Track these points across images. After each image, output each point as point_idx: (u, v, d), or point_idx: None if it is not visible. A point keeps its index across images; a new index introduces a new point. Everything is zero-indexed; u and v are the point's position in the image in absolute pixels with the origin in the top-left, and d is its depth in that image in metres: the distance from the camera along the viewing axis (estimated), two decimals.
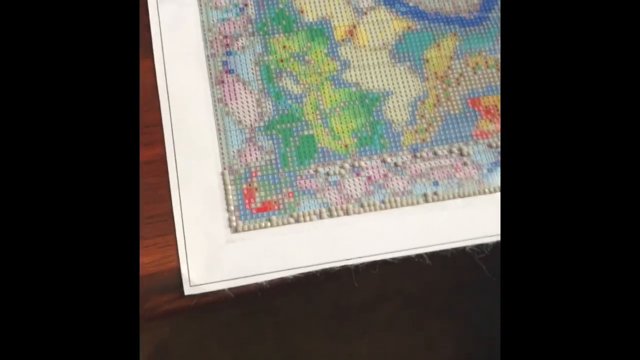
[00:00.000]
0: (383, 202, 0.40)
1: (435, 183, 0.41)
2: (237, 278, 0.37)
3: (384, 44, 0.45)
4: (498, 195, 0.41)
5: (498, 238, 0.40)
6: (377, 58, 0.44)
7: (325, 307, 0.39)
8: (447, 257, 0.39)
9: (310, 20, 0.45)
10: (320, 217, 0.39)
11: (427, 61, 0.45)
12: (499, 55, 0.45)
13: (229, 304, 0.37)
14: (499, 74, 0.45)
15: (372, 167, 0.41)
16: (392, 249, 0.39)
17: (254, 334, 0.37)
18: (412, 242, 0.39)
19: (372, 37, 0.45)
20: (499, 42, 0.46)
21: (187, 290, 0.36)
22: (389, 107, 0.43)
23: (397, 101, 0.43)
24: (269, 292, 0.37)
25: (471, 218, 0.40)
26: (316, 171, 0.41)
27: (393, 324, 0.40)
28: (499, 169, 0.42)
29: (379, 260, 0.38)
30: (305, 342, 0.39)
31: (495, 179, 0.41)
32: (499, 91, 0.44)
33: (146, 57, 0.42)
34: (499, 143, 0.43)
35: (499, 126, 0.43)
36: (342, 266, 0.38)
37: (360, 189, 0.40)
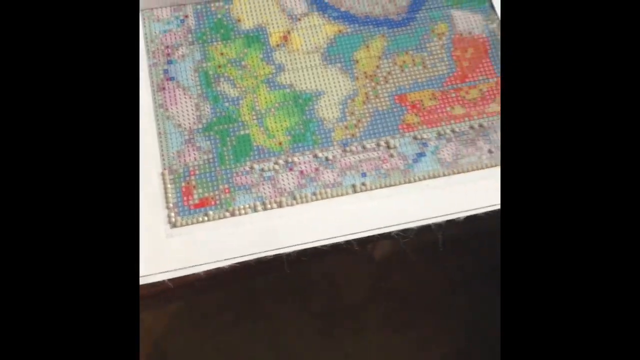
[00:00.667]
0: (314, 194, 0.43)
1: (364, 174, 0.44)
2: (176, 269, 0.40)
3: (316, 47, 0.48)
4: (422, 183, 0.44)
5: (421, 223, 0.42)
6: (310, 61, 0.47)
7: (255, 293, 0.42)
8: (373, 241, 0.42)
9: (247, 28, 0.48)
10: (255, 210, 0.42)
11: (357, 62, 0.48)
12: (425, 53, 0.48)
13: (169, 295, 0.40)
14: (425, 70, 0.48)
15: (305, 162, 0.44)
16: (322, 237, 0.41)
17: (191, 325, 0.40)
18: (340, 230, 0.42)
19: (305, 41, 0.48)
20: (425, 40, 0.49)
21: None
22: (321, 106, 0.46)
23: (329, 100, 0.46)
24: (206, 282, 0.40)
25: (397, 205, 0.43)
26: (251, 168, 0.43)
27: (325, 308, 0.43)
28: (423, 159, 0.45)
29: (309, 248, 0.41)
30: (238, 327, 0.42)
31: (420, 168, 0.44)
32: (425, 87, 0.47)
33: None
34: (424, 135, 0.45)
35: (422, 119, 0.46)
36: (275, 255, 0.41)
37: (293, 182, 0.43)
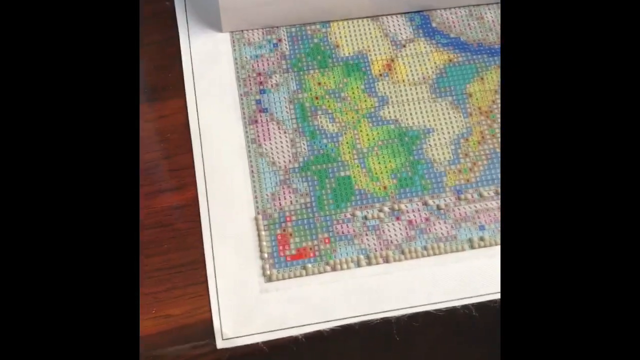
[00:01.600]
0: (425, 248, 0.38)
1: (482, 227, 0.38)
2: (271, 331, 0.35)
3: (424, 78, 0.43)
4: None
5: None
6: (417, 93, 0.42)
7: None
8: (496, 308, 0.36)
9: (346, 54, 0.43)
10: (359, 264, 0.37)
11: (470, 95, 0.42)
12: None
13: (263, 359, 0.35)
14: None
15: (413, 210, 0.39)
16: (436, 300, 0.36)
17: None
18: (457, 292, 0.36)
19: (411, 71, 0.43)
20: None
21: (220, 344, 0.35)
22: (430, 145, 0.41)
23: (439, 139, 0.41)
24: (305, 346, 0.35)
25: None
26: (353, 215, 0.38)
27: None
28: None
29: (421, 312, 0.36)
30: None
31: None
32: None
33: (178, 96, 0.41)
34: None
35: None
36: (382, 318, 0.36)
37: (401, 234, 0.38)
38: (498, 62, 0.43)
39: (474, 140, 0.41)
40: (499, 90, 0.42)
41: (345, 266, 0.37)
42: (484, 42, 0.44)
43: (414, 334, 0.36)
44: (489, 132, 0.41)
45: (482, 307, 0.36)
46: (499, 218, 0.39)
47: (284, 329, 0.35)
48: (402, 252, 0.38)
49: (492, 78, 0.43)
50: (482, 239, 0.38)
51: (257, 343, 0.35)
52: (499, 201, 0.39)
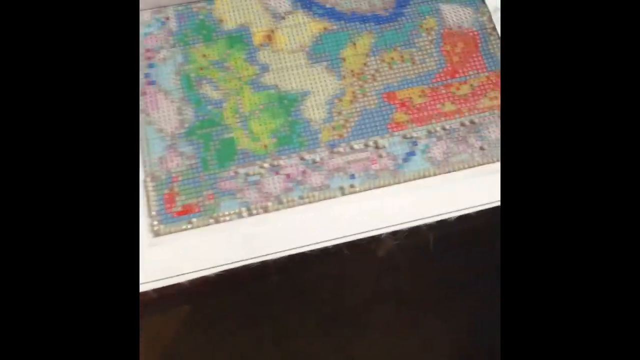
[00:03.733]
0: (301, 197, 0.42)
1: (352, 176, 0.43)
2: (159, 279, 0.39)
3: (301, 46, 0.46)
4: (413, 183, 0.43)
5: (411, 224, 0.41)
6: (295, 60, 0.46)
7: (246, 304, 0.41)
8: (363, 245, 0.40)
9: (230, 28, 0.47)
10: (240, 216, 0.41)
11: (344, 60, 0.46)
12: (413, 49, 0.47)
13: (152, 306, 0.39)
14: (414, 67, 0.46)
15: (291, 165, 0.43)
16: (311, 242, 0.40)
17: (181, 334, 0.39)
18: (329, 235, 0.40)
19: (290, 40, 0.47)
20: (413, 36, 0.47)
21: None
22: (307, 106, 0.45)
23: (315, 100, 0.45)
24: (191, 291, 0.39)
25: (387, 207, 0.42)
26: (236, 172, 0.42)
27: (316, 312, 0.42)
28: (414, 158, 0.43)
29: (297, 254, 0.40)
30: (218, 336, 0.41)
31: (410, 167, 0.43)
32: (415, 84, 0.46)
33: None
34: (414, 134, 0.44)
35: (412, 117, 0.45)
36: (262, 262, 0.40)
37: (280, 186, 0.42)
38: (369, 29, 0.47)
39: (347, 100, 0.45)
40: (370, 54, 0.46)
41: (228, 218, 0.41)
42: (357, 11, 0.48)
43: (290, 274, 0.40)
44: (360, 92, 0.45)
45: (352, 246, 0.40)
46: (368, 167, 0.43)
47: (171, 276, 0.39)
48: (280, 202, 0.42)
49: (364, 43, 0.47)
50: (352, 186, 0.42)
51: (147, 291, 0.39)
52: (368, 152, 0.43)
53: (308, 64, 0.46)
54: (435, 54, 0.47)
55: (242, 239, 0.40)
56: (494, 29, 0.47)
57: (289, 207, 0.41)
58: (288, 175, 0.42)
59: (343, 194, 0.42)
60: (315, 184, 0.42)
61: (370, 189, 0.42)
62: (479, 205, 0.42)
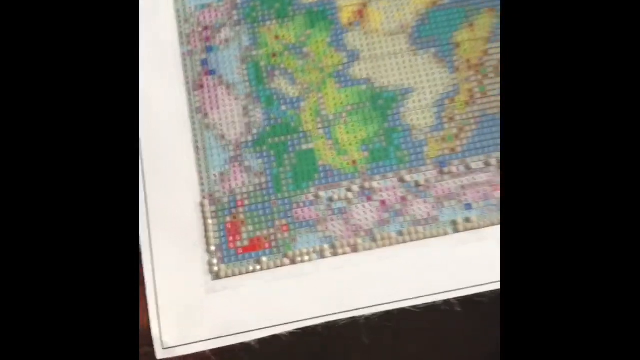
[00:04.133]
0: (400, 233, 0.32)
1: (468, 206, 0.33)
2: (220, 337, 0.30)
3: (402, 26, 0.36)
4: None
5: None
6: (393, 45, 0.35)
7: None
8: (482, 302, 0.31)
9: (310, 1, 0.36)
10: (322, 255, 0.32)
11: (458, 46, 0.35)
12: None
13: None
14: None
15: (387, 189, 0.33)
16: (413, 295, 0.31)
17: None
18: (438, 285, 0.31)
19: (387, 18, 0.36)
20: None
21: (160, 354, 0.30)
22: (408, 108, 0.34)
23: (420, 100, 0.34)
24: (259, 353, 0.30)
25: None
26: (317, 196, 0.33)
27: None
28: None
29: (395, 309, 0.31)
30: None
31: None
32: None
33: None
34: None
35: None
36: (350, 318, 0.31)
37: (372, 217, 0.32)
38: (491, 4, 0.36)
39: (461, 100, 0.34)
40: (492, 38, 0.35)
41: (306, 258, 0.32)
42: None
43: (386, 336, 0.31)
44: (479, 90, 0.34)
45: (467, 302, 0.31)
46: (489, 194, 0.33)
47: (235, 334, 0.30)
48: (374, 239, 0.32)
49: (484, 23, 0.36)
50: (468, 220, 0.32)
51: (204, 352, 0.30)
52: (489, 173, 0.33)
53: (411, 51, 0.35)
54: None
55: (325, 287, 0.31)
56: None
57: (385, 245, 0.32)
58: (383, 203, 0.33)
59: (456, 230, 0.32)
60: (420, 215, 0.32)
61: (492, 224, 0.32)
62: None
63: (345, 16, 0.36)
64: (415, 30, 0.35)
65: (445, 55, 0.35)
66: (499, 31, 0.35)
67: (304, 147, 0.33)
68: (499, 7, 0.36)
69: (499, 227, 0.32)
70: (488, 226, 0.32)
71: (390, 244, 0.32)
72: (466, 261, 0.32)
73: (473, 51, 0.35)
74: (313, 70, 0.35)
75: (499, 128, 0.34)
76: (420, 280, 0.31)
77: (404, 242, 0.32)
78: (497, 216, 0.32)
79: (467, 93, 0.34)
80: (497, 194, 0.33)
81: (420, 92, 0.34)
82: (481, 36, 0.35)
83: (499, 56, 0.35)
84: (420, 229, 0.32)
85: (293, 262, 0.32)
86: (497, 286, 0.31)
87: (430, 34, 0.35)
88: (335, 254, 0.32)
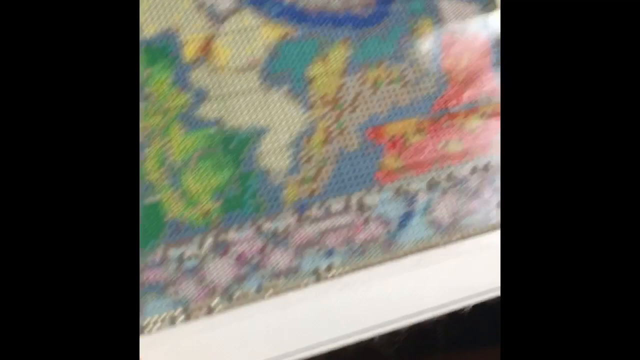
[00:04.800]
0: (259, 288, 0.30)
1: (330, 252, 0.31)
2: None
3: (252, 61, 0.33)
4: (412, 258, 0.31)
5: (413, 320, 0.30)
6: (244, 83, 0.33)
7: None
8: (349, 356, 0.29)
9: (149, 35, 0.33)
10: (173, 322, 0.29)
11: (312, 81, 0.33)
12: (404, 64, 0.34)
13: None
14: (406, 89, 0.34)
15: (244, 240, 0.30)
16: (273, 355, 0.29)
17: None
18: (298, 341, 0.29)
19: (235, 53, 0.33)
20: (403, 45, 0.35)
21: None
22: (263, 150, 0.32)
23: (275, 141, 0.32)
24: None
25: (378, 297, 0.30)
26: (165, 255, 0.29)
27: None
28: (412, 222, 0.32)
29: None
30: None
31: (408, 236, 0.32)
32: (408, 114, 0.34)
33: None
34: (411, 186, 0.32)
35: (407, 162, 0.33)
36: None
37: (229, 273, 0.30)
38: (344, 35, 0.34)
39: (318, 139, 0.33)
40: (347, 72, 0.34)
41: (156, 327, 0.28)
42: (326, 9, 0.35)
43: None
44: (336, 127, 0.33)
45: (333, 357, 0.29)
46: (351, 238, 0.31)
47: None
48: (230, 299, 0.29)
49: (338, 56, 0.34)
50: (330, 267, 0.30)
51: None
52: (350, 215, 0.31)
53: (263, 88, 0.33)
54: (433, 71, 0.35)
55: (177, 358, 0.28)
56: None
57: (243, 304, 0.29)
58: (240, 256, 0.30)
59: (318, 279, 0.30)
60: (280, 266, 0.30)
61: (355, 269, 0.31)
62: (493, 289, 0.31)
63: (189, 51, 0.33)
64: (266, 66, 0.33)
65: (300, 91, 0.33)
66: (354, 63, 0.34)
67: (148, 200, 0.30)
68: (353, 38, 0.34)
69: (361, 271, 0.31)
70: (350, 272, 0.31)
71: (249, 302, 0.30)
72: (329, 313, 0.30)
73: (328, 86, 0.33)
74: (156, 114, 0.32)
75: (359, 166, 0.32)
76: (281, 339, 0.29)
77: (264, 298, 0.30)
78: (359, 260, 0.31)
79: (323, 131, 0.33)
80: (360, 236, 0.31)
81: (274, 132, 0.32)
82: (336, 69, 0.34)
83: (355, 90, 0.33)
84: (280, 281, 0.30)
85: (141, 332, 0.28)
86: (363, 336, 0.29)
87: (282, 69, 0.33)
88: (188, 319, 0.29)
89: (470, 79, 0.35)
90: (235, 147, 0.32)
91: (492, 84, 0.35)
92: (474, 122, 0.34)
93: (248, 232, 0.31)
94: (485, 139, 0.34)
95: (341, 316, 0.30)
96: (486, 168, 0.33)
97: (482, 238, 0.32)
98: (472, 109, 0.34)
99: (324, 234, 0.31)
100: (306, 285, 0.30)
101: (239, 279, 0.30)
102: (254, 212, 0.31)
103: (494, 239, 0.32)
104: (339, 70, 0.34)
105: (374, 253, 0.31)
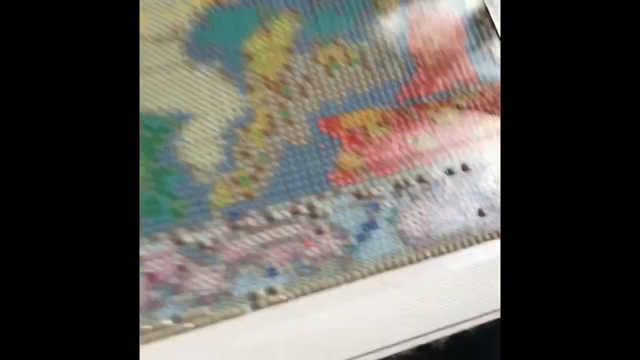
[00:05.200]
0: (179, 319, 0.22)
1: (272, 272, 0.24)
2: None
3: (174, 30, 0.26)
4: (375, 279, 0.25)
5: (379, 355, 0.24)
6: (163, 56, 0.26)
7: None
8: None
9: None
10: None
11: (251, 58, 0.27)
12: (365, 43, 0.28)
13: None
14: (368, 73, 0.28)
15: (158, 256, 0.23)
16: None
17: None
18: None
19: (153, 19, 0.26)
20: (363, 21, 0.29)
21: None
22: (186, 141, 0.25)
23: (201, 130, 0.25)
24: None
25: (334, 327, 0.23)
26: None
27: None
28: (375, 233, 0.25)
29: None
30: None
31: (370, 251, 0.25)
32: (370, 102, 0.28)
33: None
34: (373, 189, 0.26)
35: (369, 160, 0.26)
36: None
37: (139, 299, 0.22)
38: (291, 4, 0.28)
39: (258, 129, 0.26)
40: (294, 49, 0.28)
41: None
42: None
43: None
44: (280, 116, 0.26)
45: None
46: (299, 253, 0.24)
47: None
48: (142, 332, 0.22)
49: (284, 30, 0.28)
50: (272, 291, 0.23)
51: None
52: (298, 225, 0.25)
53: (187, 64, 0.26)
54: (399, 53, 0.29)
55: None
56: (487, 13, 0.30)
57: (156, 339, 0.22)
58: (152, 277, 0.23)
59: (256, 307, 0.23)
60: (205, 291, 0.23)
61: (304, 293, 0.24)
62: (481, 315, 0.25)
63: None
64: (192, 37, 0.26)
65: (235, 70, 0.26)
66: (304, 39, 0.28)
67: None
68: (303, 9, 0.28)
69: (312, 296, 0.24)
70: (298, 297, 0.24)
71: (164, 336, 0.22)
72: (270, 349, 0.23)
73: (271, 65, 0.27)
74: None
75: (309, 164, 0.26)
76: None
77: (184, 331, 0.22)
78: (310, 282, 0.24)
79: (265, 120, 0.26)
80: (310, 252, 0.24)
81: (201, 119, 0.25)
82: (281, 45, 0.27)
83: (305, 72, 0.27)
84: (206, 309, 0.23)
85: None
86: None
87: (212, 42, 0.27)
88: None
89: (442, 64, 0.29)
90: (150, 136, 0.25)
91: (468, 71, 0.29)
92: (449, 115, 0.28)
93: (163, 245, 0.23)
94: (461, 135, 0.28)
95: (286, 353, 0.23)
96: (464, 169, 0.27)
97: (460, 253, 0.26)
98: (445, 100, 0.28)
99: (264, 248, 0.24)
100: (241, 314, 0.23)
101: (150, 307, 0.22)
102: (172, 220, 0.24)
103: (475, 254, 0.26)
104: (284, 47, 0.27)
105: (327, 272, 0.24)
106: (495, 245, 0.26)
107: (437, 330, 0.25)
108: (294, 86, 0.27)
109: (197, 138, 0.25)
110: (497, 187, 0.27)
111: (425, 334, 0.24)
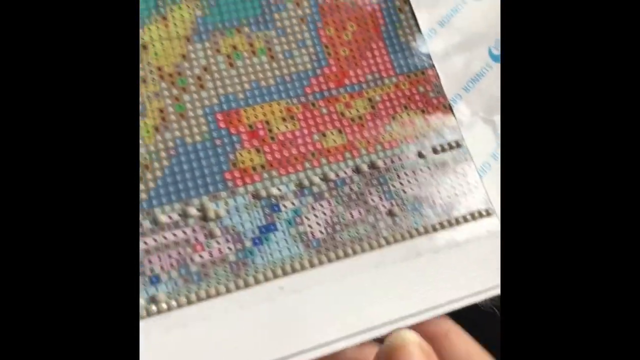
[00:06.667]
0: None
1: (154, 279, 0.22)
2: None
3: None
4: (273, 284, 0.23)
5: None
6: None
7: None
8: None
9: None
10: None
11: (145, 48, 0.25)
12: (272, 32, 0.26)
13: None
14: (274, 64, 0.26)
15: None
16: None
17: None
18: None
19: None
20: (271, 7, 0.27)
21: None
22: None
23: None
24: None
25: (223, 340, 0.22)
26: None
27: None
28: (273, 236, 0.24)
29: None
30: None
31: (268, 255, 0.23)
32: (274, 96, 0.26)
33: None
34: (273, 189, 0.24)
35: (270, 158, 0.25)
36: None
37: None
38: None
39: (148, 125, 0.24)
40: (192, 38, 0.26)
41: None
42: None
43: None
44: (174, 110, 0.24)
45: None
46: (186, 259, 0.23)
47: None
48: None
49: (182, 16, 0.26)
50: (154, 299, 0.22)
51: None
52: (187, 229, 0.23)
53: None
54: (309, 43, 0.27)
55: None
56: (407, 1, 0.28)
57: None
58: None
59: (147, 314, 0.22)
60: None
61: (190, 302, 0.22)
62: (391, 322, 0.24)
63: None
64: None
65: None
66: (204, 27, 0.26)
67: None
68: None
69: (199, 305, 0.22)
70: (183, 306, 0.22)
71: None
72: None
73: (166, 55, 0.25)
74: None
75: (202, 162, 0.24)
76: None
77: None
78: (197, 291, 0.22)
79: (156, 114, 0.24)
80: (200, 256, 0.23)
81: None
82: (178, 34, 0.25)
83: (203, 62, 0.25)
84: None
85: None
86: None
87: None
88: None
89: (356, 55, 0.27)
90: None
91: (384, 61, 0.27)
92: (359, 109, 0.26)
93: None
94: (372, 131, 0.26)
95: None
96: (373, 167, 0.26)
97: (369, 256, 0.24)
98: (357, 93, 0.27)
99: (146, 254, 0.22)
100: None
101: None
102: None
103: (384, 257, 0.24)
104: (181, 35, 0.25)
105: (218, 279, 0.23)
106: (406, 249, 0.25)
107: (343, 338, 0.23)
108: (192, 77, 0.25)
109: None
110: (408, 189, 0.26)
111: (327, 343, 0.23)
